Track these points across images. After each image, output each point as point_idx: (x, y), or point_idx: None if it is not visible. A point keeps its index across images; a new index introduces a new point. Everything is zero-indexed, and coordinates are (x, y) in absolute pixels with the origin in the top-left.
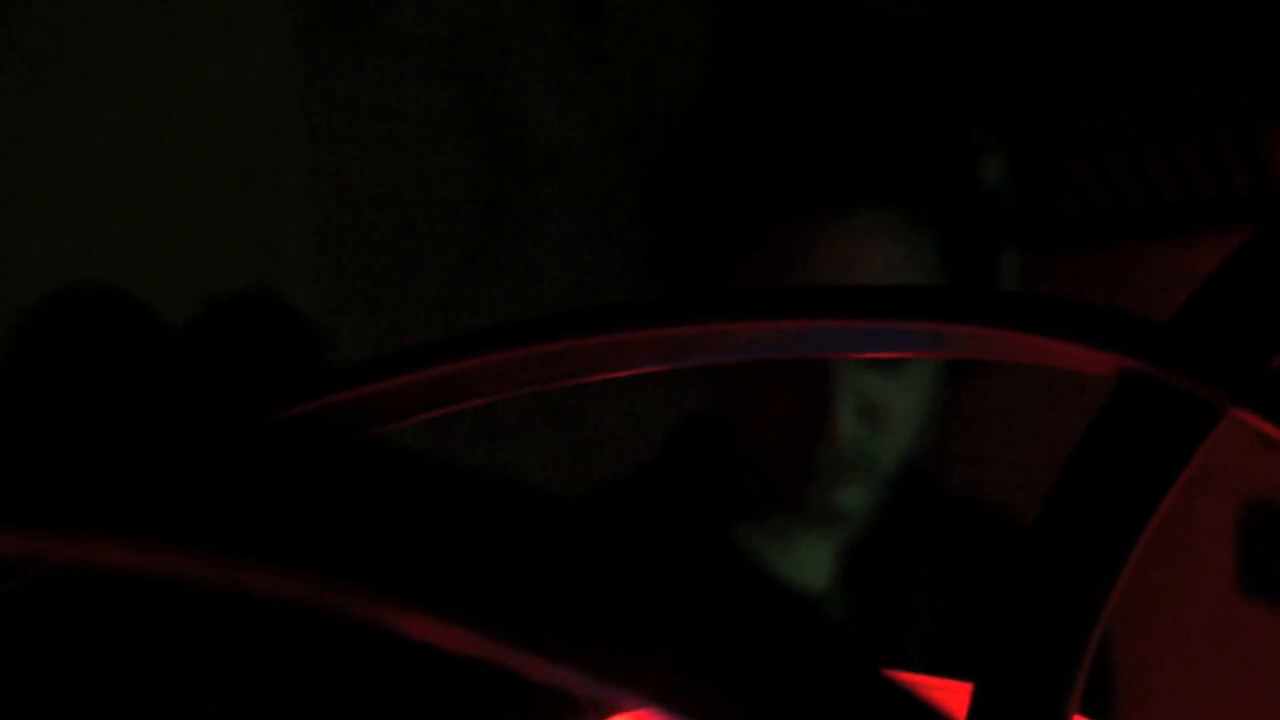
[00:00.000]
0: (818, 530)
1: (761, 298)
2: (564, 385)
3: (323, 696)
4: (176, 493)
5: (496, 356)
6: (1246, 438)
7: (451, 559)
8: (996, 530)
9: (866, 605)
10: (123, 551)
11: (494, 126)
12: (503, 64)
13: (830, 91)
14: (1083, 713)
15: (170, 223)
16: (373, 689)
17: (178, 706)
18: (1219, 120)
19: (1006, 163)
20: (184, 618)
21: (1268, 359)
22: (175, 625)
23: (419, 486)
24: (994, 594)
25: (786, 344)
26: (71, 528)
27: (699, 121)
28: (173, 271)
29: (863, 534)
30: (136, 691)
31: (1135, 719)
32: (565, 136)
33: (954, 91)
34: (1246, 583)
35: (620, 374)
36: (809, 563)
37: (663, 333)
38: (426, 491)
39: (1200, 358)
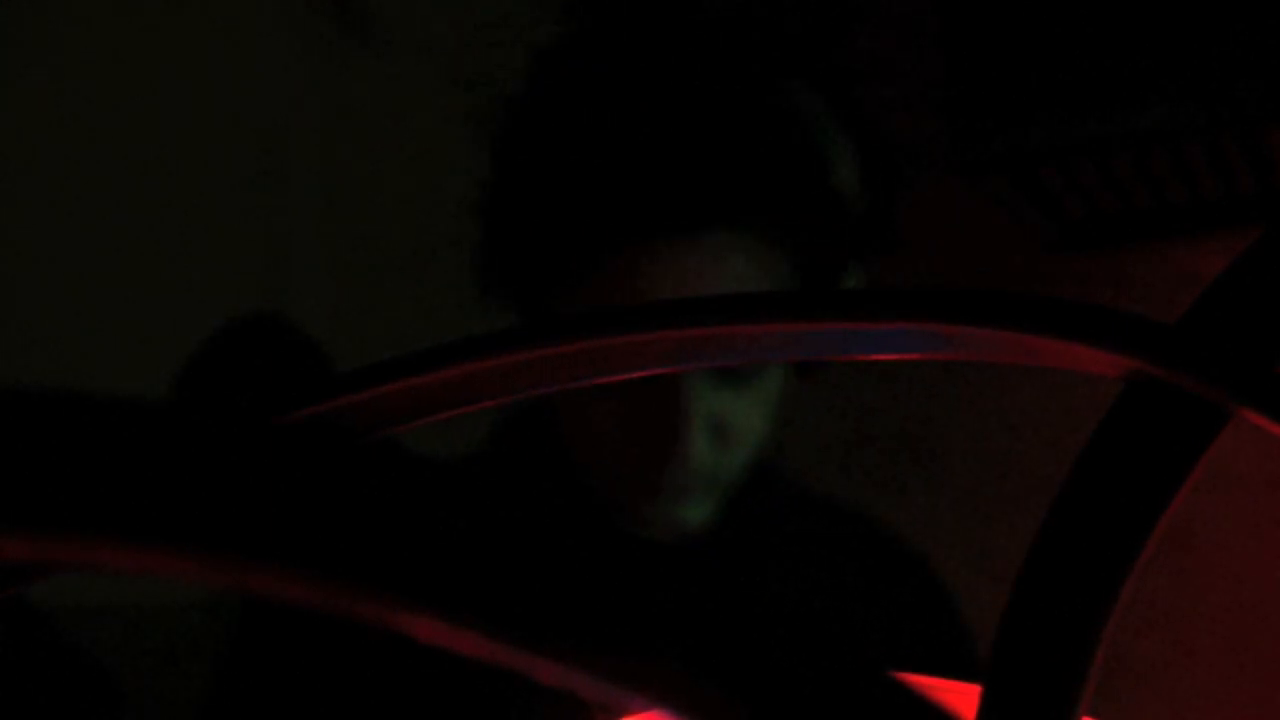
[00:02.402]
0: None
1: (766, 300)
2: (572, 387)
3: (328, 699)
4: (184, 497)
5: (507, 359)
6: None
7: (459, 562)
8: (845, 519)
9: None
10: (130, 556)
11: None
12: (512, 68)
13: (672, 104)
14: (1091, 714)
15: (180, 228)
16: (379, 692)
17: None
18: (1225, 122)
19: (857, 169)
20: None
21: (1275, 361)
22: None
23: (427, 490)
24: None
25: (793, 346)
26: (80, 532)
27: (530, 134)
28: (182, 278)
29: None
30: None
31: None
32: None
33: (803, 95)
34: None
35: (628, 376)
36: None
37: (670, 334)
38: (434, 495)
39: (1207, 360)
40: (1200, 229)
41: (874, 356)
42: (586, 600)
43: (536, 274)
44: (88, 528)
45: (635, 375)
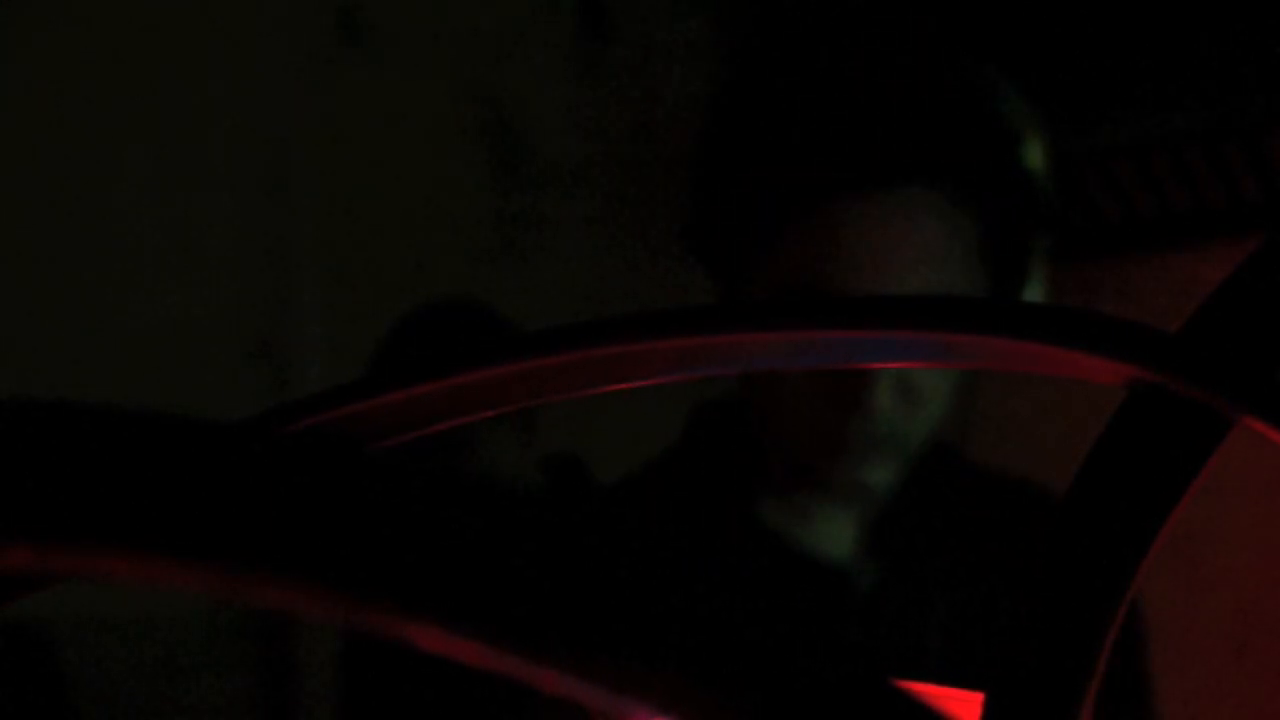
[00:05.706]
0: (842, 507)
1: (773, 308)
2: (574, 397)
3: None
4: (186, 507)
5: (508, 368)
6: None
7: (461, 569)
8: (1021, 504)
9: (890, 581)
10: (131, 565)
11: (503, 140)
12: (512, 78)
13: (866, 73)
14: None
15: (181, 236)
16: (380, 695)
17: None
18: (1227, 129)
19: (1045, 148)
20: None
21: (1278, 367)
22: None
23: (429, 499)
24: (1007, 603)
25: (799, 354)
26: (81, 541)
27: (736, 99)
28: (182, 283)
29: (888, 509)
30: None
31: None
32: (573, 150)
33: (997, 75)
34: None
35: (631, 385)
36: (833, 539)
37: (675, 343)
38: (436, 503)
39: (1210, 367)
40: (1202, 237)
41: (878, 365)
42: (586, 606)
43: (741, 233)
44: (89, 537)
45: (641, 384)
